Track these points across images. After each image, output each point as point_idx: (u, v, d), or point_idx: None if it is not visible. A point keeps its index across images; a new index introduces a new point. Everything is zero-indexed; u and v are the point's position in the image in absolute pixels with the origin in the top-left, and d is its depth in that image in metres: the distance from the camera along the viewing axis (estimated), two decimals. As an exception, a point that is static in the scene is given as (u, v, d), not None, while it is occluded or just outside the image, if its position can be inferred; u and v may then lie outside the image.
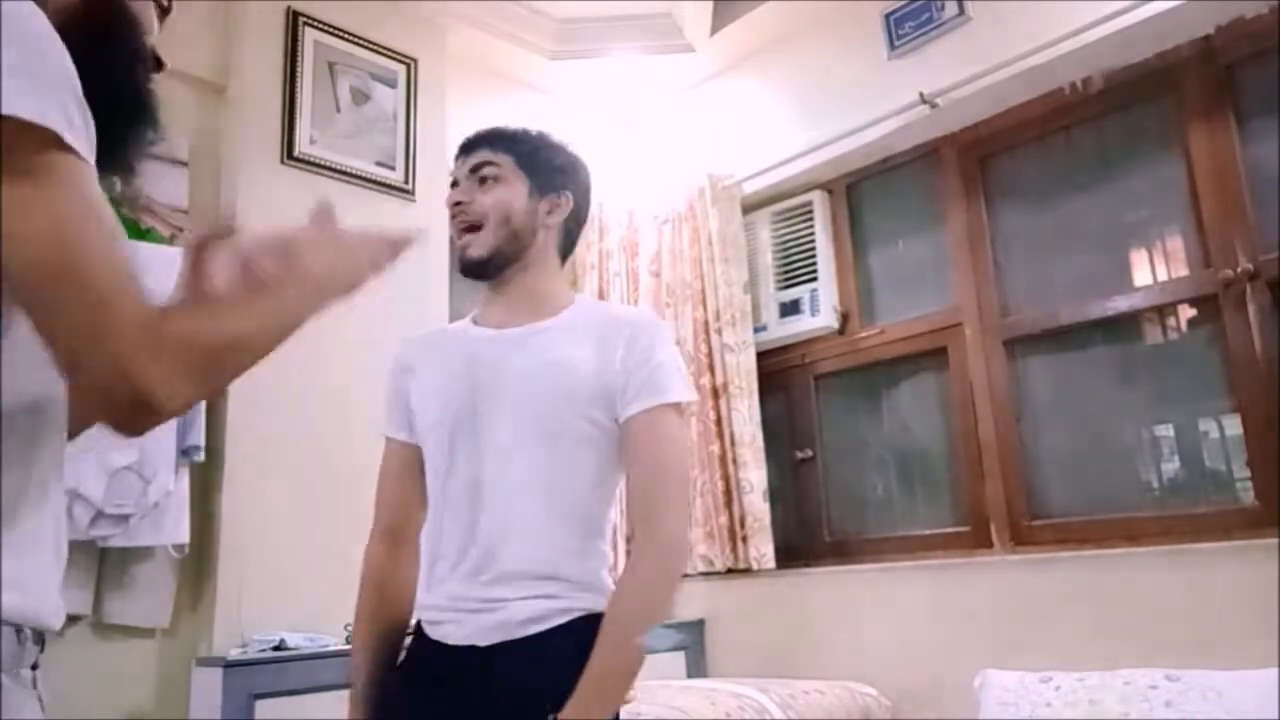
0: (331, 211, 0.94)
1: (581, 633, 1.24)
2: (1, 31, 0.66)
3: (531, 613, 1.26)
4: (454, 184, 1.46)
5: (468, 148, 1.46)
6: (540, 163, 1.44)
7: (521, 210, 1.41)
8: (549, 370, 1.34)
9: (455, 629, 1.30)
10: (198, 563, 2.49)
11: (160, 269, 2.70)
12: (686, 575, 3.33)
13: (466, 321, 1.51)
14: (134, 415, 0.71)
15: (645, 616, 1.26)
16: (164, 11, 0.98)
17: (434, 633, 1.34)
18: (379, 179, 2.99)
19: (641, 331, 1.35)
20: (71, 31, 0.75)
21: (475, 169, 1.42)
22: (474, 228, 1.40)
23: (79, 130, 0.70)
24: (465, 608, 1.29)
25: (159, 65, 0.97)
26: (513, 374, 1.35)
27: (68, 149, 0.68)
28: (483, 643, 1.26)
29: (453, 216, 1.43)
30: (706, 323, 3.37)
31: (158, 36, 0.97)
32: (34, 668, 0.79)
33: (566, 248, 1.49)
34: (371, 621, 1.49)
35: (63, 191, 0.68)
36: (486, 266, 1.41)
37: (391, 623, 1.47)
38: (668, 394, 1.32)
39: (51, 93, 0.68)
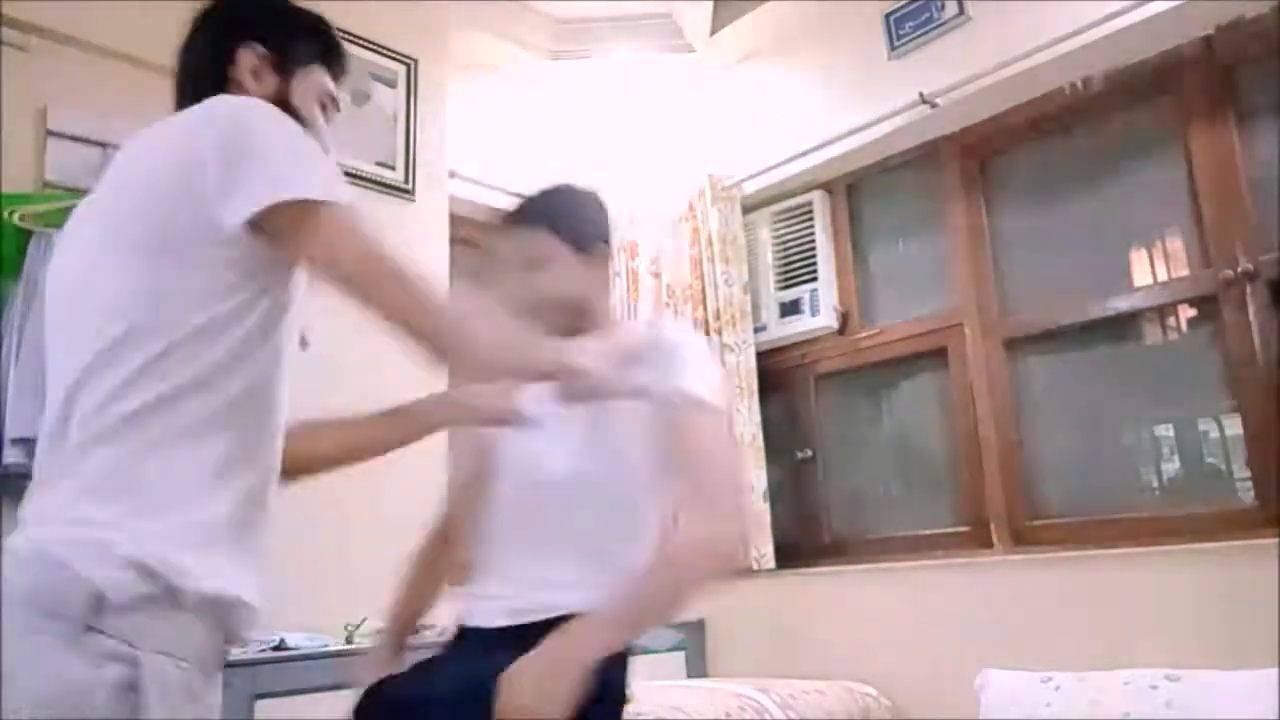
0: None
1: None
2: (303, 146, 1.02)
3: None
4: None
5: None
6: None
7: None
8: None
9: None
10: (198, 563, 2.49)
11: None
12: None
13: None
14: (442, 354, 1.06)
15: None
16: (330, 107, 1.22)
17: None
18: (379, 179, 2.99)
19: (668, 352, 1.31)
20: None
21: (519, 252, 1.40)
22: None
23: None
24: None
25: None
26: None
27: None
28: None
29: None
30: (706, 323, 3.37)
31: (325, 129, 1.20)
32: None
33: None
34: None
35: (365, 229, 1.00)
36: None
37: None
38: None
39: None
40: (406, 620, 1.64)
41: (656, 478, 1.31)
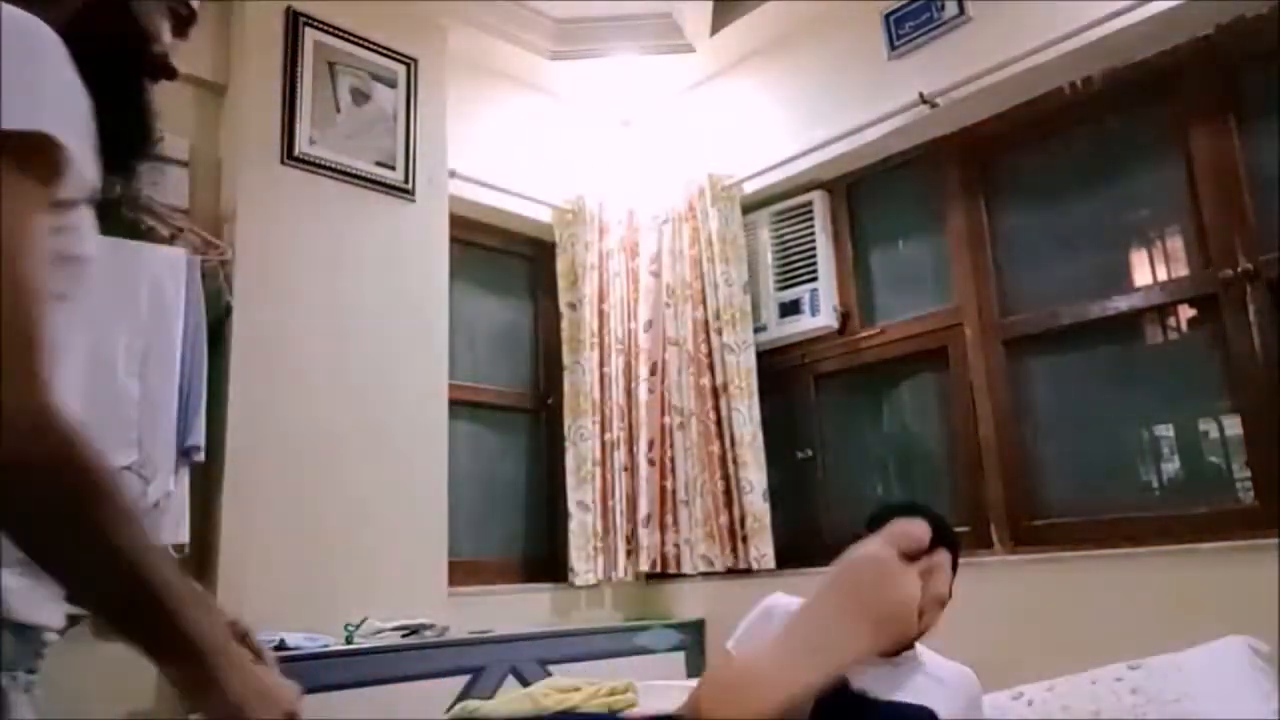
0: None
1: None
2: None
3: None
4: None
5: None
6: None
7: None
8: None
9: None
10: (198, 563, 2.49)
11: (160, 269, 2.70)
12: (683, 575, 3.34)
13: None
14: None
15: None
16: (183, 21, 1.00)
17: None
18: (379, 179, 2.99)
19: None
20: (76, 36, 0.78)
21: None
22: None
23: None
24: None
25: (169, 73, 1.00)
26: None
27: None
28: None
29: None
30: (706, 323, 3.37)
31: (172, 45, 0.99)
32: (31, 672, 0.79)
33: None
34: None
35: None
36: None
37: None
38: None
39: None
40: None
41: None
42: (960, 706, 1.72)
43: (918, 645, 1.80)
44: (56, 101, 0.76)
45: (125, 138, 0.87)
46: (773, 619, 1.87)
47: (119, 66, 0.90)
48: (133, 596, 0.75)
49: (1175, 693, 2.08)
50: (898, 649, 1.71)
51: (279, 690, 0.82)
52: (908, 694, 1.68)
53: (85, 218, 0.87)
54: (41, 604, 0.80)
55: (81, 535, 0.72)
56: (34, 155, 0.74)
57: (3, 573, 0.74)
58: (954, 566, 1.81)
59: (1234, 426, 2.50)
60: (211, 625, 0.78)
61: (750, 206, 3.53)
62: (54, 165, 0.76)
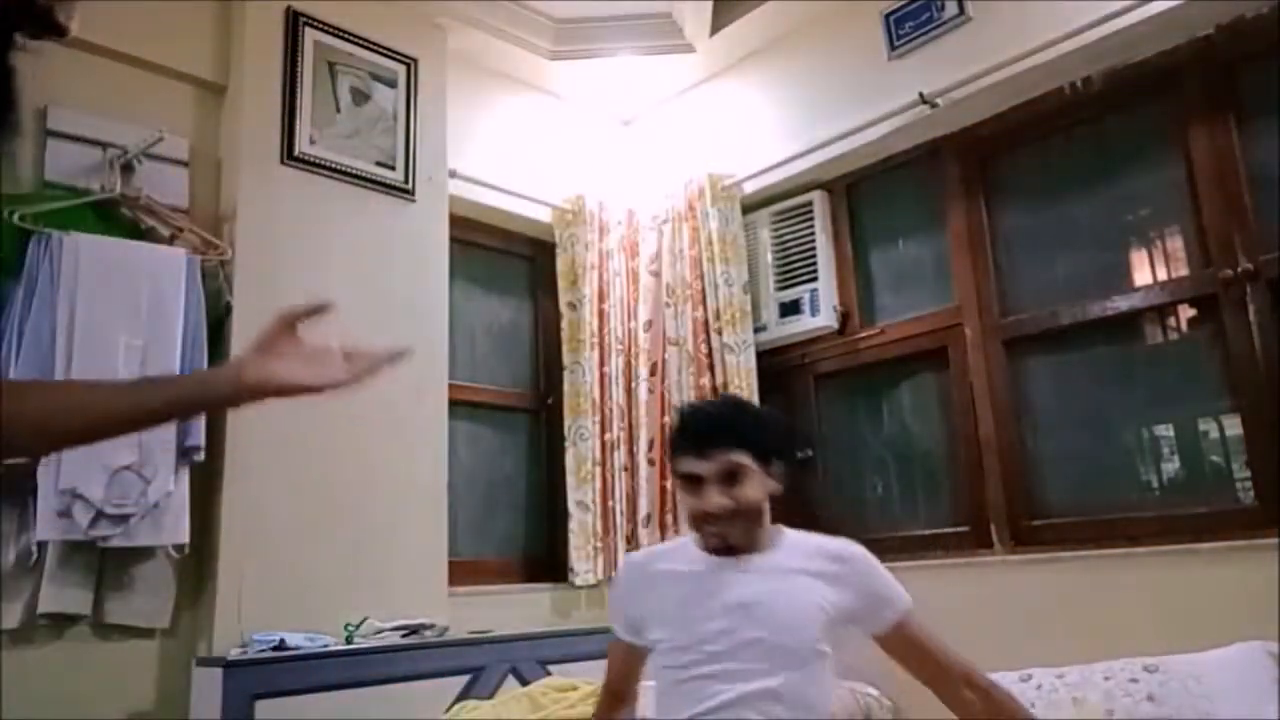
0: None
1: None
2: None
3: None
4: (693, 479, 1.64)
5: (707, 446, 1.64)
6: (768, 448, 1.68)
7: (764, 494, 1.67)
8: (776, 603, 1.60)
9: None
10: (198, 563, 2.49)
11: (160, 269, 2.70)
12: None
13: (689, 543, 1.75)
14: None
15: None
16: None
17: None
18: (379, 179, 2.99)
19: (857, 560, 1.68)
20: None
21: (724, 474, 1.62)
22: (730, 521, 1.64)
23: None
24: None
25: (57, 30, 0.86)
26: (749, 606, 1.61)
27: None
28: None
29: (711, 518, 1.64)
30: (706, 323, 3.37)
31: (64, 5, 0.86)
32: None
33: None
34: None
35: None
36: (740, 551, 1.67)
37: None
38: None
39: None
40: None
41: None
42: (824, 562, 1.66)
43: (776, 542, 1.71)
44: None
45: None
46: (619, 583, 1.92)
47: None
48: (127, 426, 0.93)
49: (1191, 695, 2.08)
50: (739, 552, 1.67)
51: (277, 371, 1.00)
52: (753, 581, 1.64)
53: None
54: None
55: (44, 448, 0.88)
56: None
57: None
58: (768, 451, 1.68)
59: (1234, 426, 2.50)
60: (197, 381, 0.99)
61: (750, 206, 3.53)
62: None
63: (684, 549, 1.75)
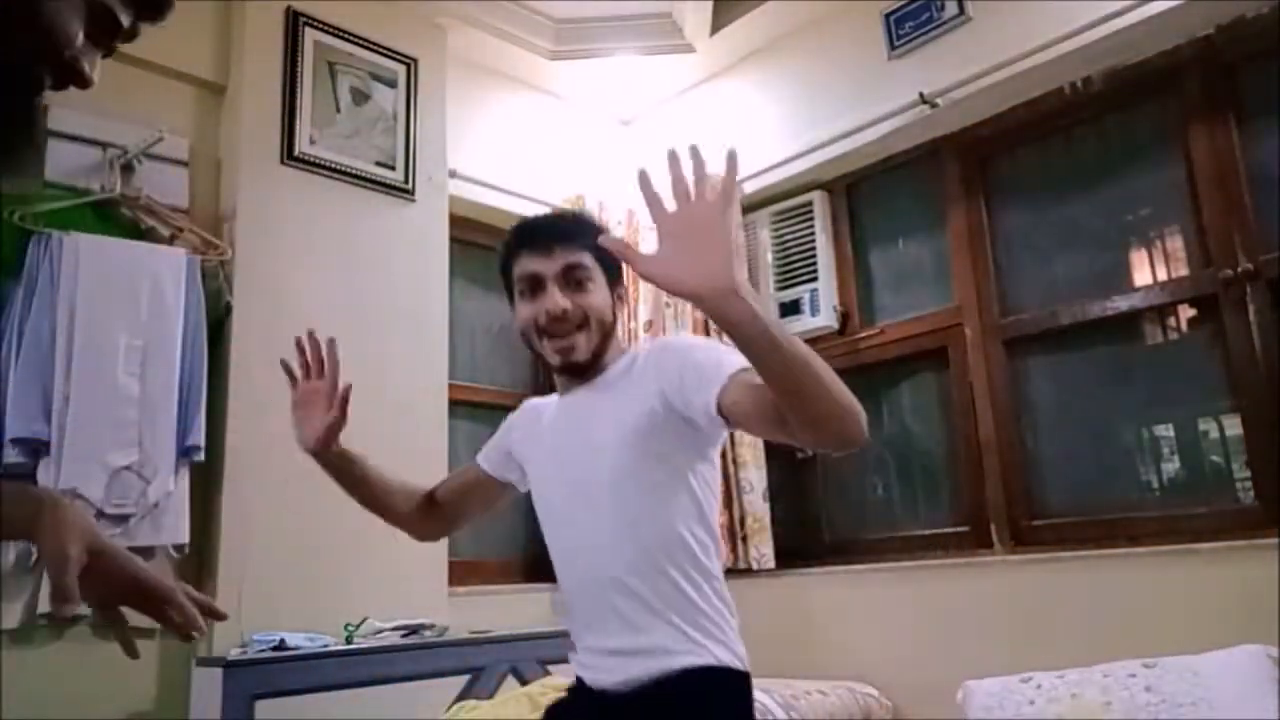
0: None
1: (699, 686, 1.28)
2: None
3: (651, 667, 1.31)
4: (536, 281, 1.45)
5: (545, 243, 1.46)
6: (614, 263, 1.48)
7: (609, 307, 1.48)
8: (616, 424, 1.39)
9: (603, 677, 1.38)
10: (198, 563, 2.49)
11: (160, 269, 2.70)
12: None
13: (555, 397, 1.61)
14: None
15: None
16: (108, 31, 0.90)
17: (587, 679, 1.44)
18: (379, 179, 2.99)
19: (673, 349, 1.40)
20: None
21: (567, 272, 1.44)
22: (574, 331, 1.44)
23: None
24: (602, 660, 1.39)
25: (81, 81, 0.90)
26: (592, 432, 1.43)
27: None
28: (624, 689, 1.33)
29: (553, 323, 1.44)
30: (707, 323, 3.37)
31: (86, 49, 0.89)
32: None
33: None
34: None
35: None
36: (589, 368, 1.47)
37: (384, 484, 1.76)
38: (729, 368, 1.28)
39: None
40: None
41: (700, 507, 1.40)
42: (652, 363, 1.41)
43: (623, 365, 1.49)
44: None
45: (6, 142, 0.81)
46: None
47: (14, 69, 0.82)
48: None
49: (1191, 696, 2.08)
50: (587, 373, 1.46)
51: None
52: (600, 404, 1.45)
53: None
54: None
55: None
56: None
57: None
58: (611, 262, 1.48)
59: (1234, 426, 2.50)
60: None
61: (750, 206, 3.53)
62: None
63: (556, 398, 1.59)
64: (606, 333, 1.47)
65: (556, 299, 1.42)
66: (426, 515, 1.75)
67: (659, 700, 1.29)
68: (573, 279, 1.44)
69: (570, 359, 1.45)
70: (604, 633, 1.39)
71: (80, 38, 0.87)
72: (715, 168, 1.15)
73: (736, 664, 1.34)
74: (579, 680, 1.47)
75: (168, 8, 0.94)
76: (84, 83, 0.89)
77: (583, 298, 1.43)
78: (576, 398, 1.51)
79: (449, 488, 1.74)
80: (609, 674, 1.37)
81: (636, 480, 1.36)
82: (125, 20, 0.89)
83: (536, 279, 1.44)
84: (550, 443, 1.52)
